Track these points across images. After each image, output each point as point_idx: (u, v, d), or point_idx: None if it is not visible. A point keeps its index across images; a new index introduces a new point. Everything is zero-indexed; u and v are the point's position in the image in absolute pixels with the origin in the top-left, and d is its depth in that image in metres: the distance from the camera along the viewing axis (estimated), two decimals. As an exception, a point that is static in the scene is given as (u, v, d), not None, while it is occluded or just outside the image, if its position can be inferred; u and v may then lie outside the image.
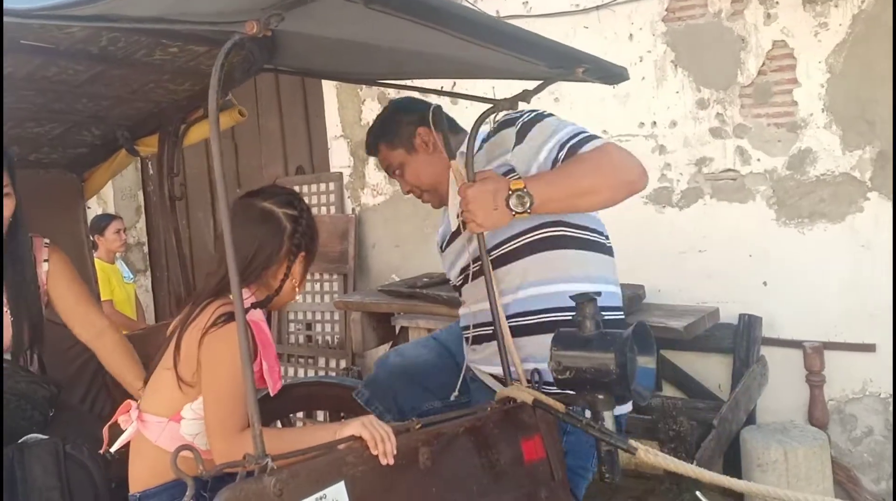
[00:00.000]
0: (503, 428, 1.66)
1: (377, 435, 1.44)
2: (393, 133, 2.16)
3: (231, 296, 1.67)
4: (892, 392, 3.62)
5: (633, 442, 1.50)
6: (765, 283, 3.96)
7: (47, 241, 2.31)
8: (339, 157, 4.95)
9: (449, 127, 2.13)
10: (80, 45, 1.85)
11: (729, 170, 4.06)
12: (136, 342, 2.34)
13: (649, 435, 3.31)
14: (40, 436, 1.98)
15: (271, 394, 1.71)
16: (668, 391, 4.02)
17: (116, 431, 1.78)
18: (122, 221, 4.72)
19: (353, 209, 4.91)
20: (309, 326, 4.69)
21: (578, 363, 1.57)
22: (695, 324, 3.52)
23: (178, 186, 2.72)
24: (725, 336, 3.94)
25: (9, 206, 2.09)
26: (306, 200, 5.22)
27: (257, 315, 1.73)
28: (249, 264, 1.74)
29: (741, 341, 3.89)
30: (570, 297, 1.66)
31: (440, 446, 1.54)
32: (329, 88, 4.98)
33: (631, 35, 4.20)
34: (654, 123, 4.19)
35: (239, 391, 1.56)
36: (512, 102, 2.03)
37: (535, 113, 2.15)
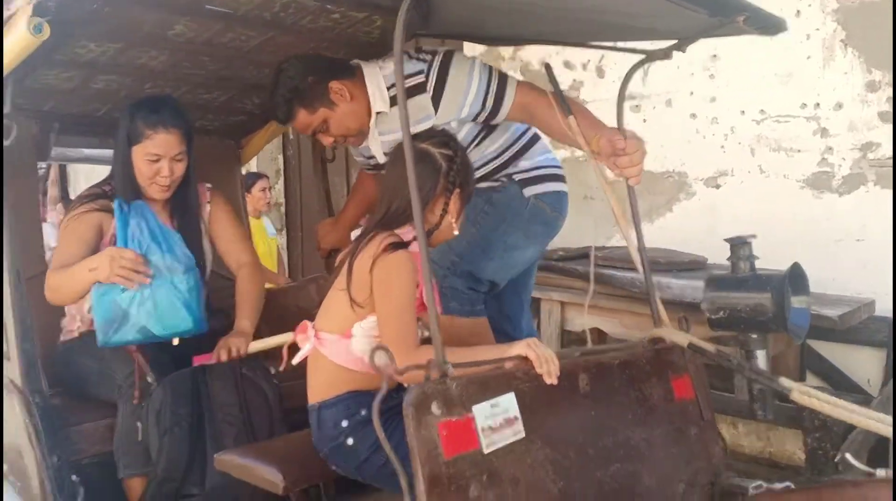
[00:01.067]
0: (654, 366, 1.80)
1: (542, 356, 1.61)
2: (308, 96, 2.28)
3: (395, 230, 1.91)
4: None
5: (785, 382, 1.61)
6: (924, 276, 3.88)
7: (209, 185, 2.69)
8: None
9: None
10: (255, 11, 2.09)
11: (896, 156, 3.99)
12: (285, 295, 2.62)
13: (793, 424, 3.33)
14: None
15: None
16: (813, 381, 3.99)
17: (294, 350, 2.04)
18: (267, 180, 5.12)
19: (482, 181, 5.11)
20: (438, 294, 4.91)
21: (733, 303, 1.69)
22: (850, 314, 3.49)
23: (329, 150, 3.00)
24: (880, 329, 3.87)
25: (181, 169, 2.47)
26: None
27: (416, 247, 1.95)
28: (403, 200, 1.94)
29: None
30: (726, 240, 1.79)
31: (598, 374, 1.68)
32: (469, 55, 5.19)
33: (798, 11, 4.17)
34: (818, 104, 4.14)
35: (409, 310, 1.78)
36: (666, 53, 2.16)
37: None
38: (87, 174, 7.40)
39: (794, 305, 1.72)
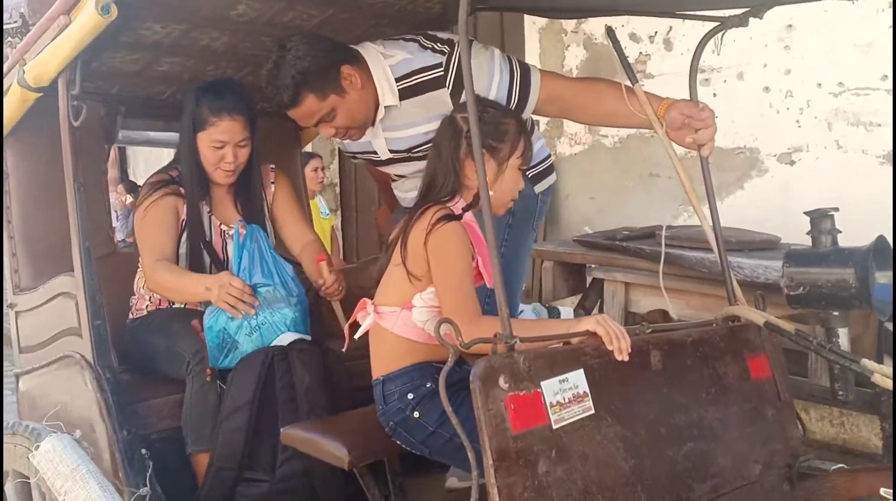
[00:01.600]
0: (729, 344, 1.76)
1: (612, 332, 1.59)
2: (319, 80, 2.10)
3: (445, 202, 1.91)
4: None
5: (867, 364, 1.56)
6: None
7: (273, 166, 2.74)
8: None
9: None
10: None
11: (984, 131, 3.82)
12: (345, 276, 2.65)
13: (869, 409, 3.24)
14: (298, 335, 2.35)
15: (488, 286, 1.92)
16: (889, 365, 3.88)
17: (355, 329, 2.06)
18: (320, 159, 5.17)
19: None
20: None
21: (814, 279, 1.65)
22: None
23: None
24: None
25: (244, 154, 2.51)
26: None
27: (468, 217, 1.94)
28: (444, 173, 1.96)
29: None
30: (806, 213, 1.73)
31: (670, 351, 1.66)
32: (531, 32, 5.14)
33: (879, -24, 4.03)
34: (900, 75, 4.01)
35: (468, 280, 1.80)
36: (742, 20, 2.10)
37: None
38: (145, 156, 7.59)
39: (878, 280, 1.67)
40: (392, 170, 2.50)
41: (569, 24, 5.03)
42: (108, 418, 2.13)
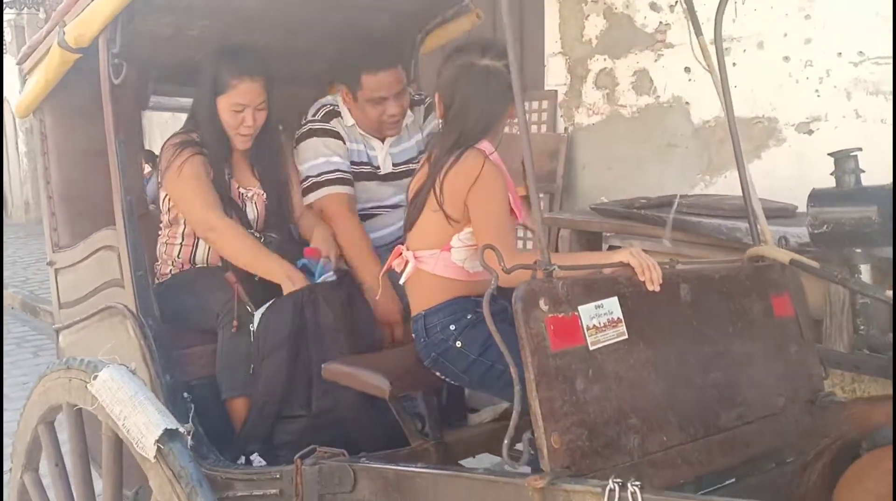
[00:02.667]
0: (754, 282, 1.85)
1: (644, 264, 1.68)
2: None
3: (474, 144, 2.00)
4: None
5: (891, 294, 1.64)
6: None
7: (280, 126, 2.81)
8: (556, 75, 5.17)
9: None
10: None
11: None
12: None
13: (883, 374, 3.32)
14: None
15: (519, 221, 2.04)
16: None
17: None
18: None
19: (566, 129, 5.14)
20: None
21: (837, 217, 1.74)
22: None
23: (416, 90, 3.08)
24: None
25: (262, 117, 2.59)
26: (517, 118, 5.46)
27: (498, 159, 2.05)
28: (484, 120, 2.04)
29: None
30: (830, 154, 1.81)
31: (699, 285, 1.75)
32: (551, 2, 5.21)
33: (901, -56, 4.08)
34: (921, 43, 4.06)
35: (507, 216, 1.94)
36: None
37: None
38: (161, 128, 7.68)
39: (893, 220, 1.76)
40: (377, 192, 2.78)
41: (589, -7, 5.10)
42: (152, 364, 2.23)
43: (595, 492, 1.35)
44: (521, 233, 4.52)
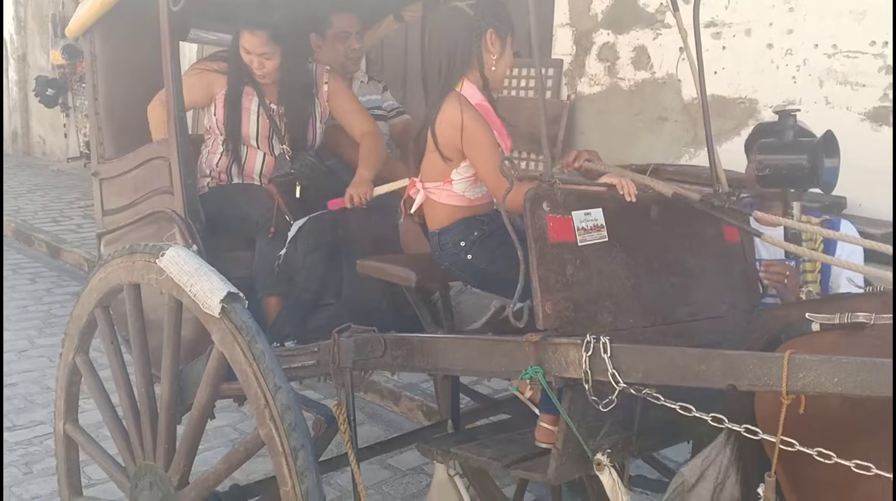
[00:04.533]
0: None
1: (624, 183, 2.10)
2: None
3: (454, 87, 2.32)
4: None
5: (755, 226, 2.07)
6: (968, 211, 4.22)
7: (328, 68, 3.12)
8: (563, 44, 5.57)
9: None
10: None
11: (953, 96, 4.30)
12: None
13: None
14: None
15: (505, 152, 2.34)
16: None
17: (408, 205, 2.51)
18: None
19: (569, 96, 5.54)
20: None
21: (776, 163, 2.17)
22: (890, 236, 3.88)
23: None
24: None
25: (271, 65, 2.86)
26: (522, 83, 5.81)
27: (481, 101, 2.35)
28: (456, 59, 2.29)
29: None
30: (774, 111, 2.23)
31: (666, 208, 2.17)
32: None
33: (878, -49, 4.46)
34: (886, 43, 4.45)
35: (496, 150, 2.27)
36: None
37: None
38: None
39: (826, 165, 2.20)
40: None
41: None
42: None
43: (576, 344, 1.78)
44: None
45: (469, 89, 2.36)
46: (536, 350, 1.83)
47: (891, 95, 4.46)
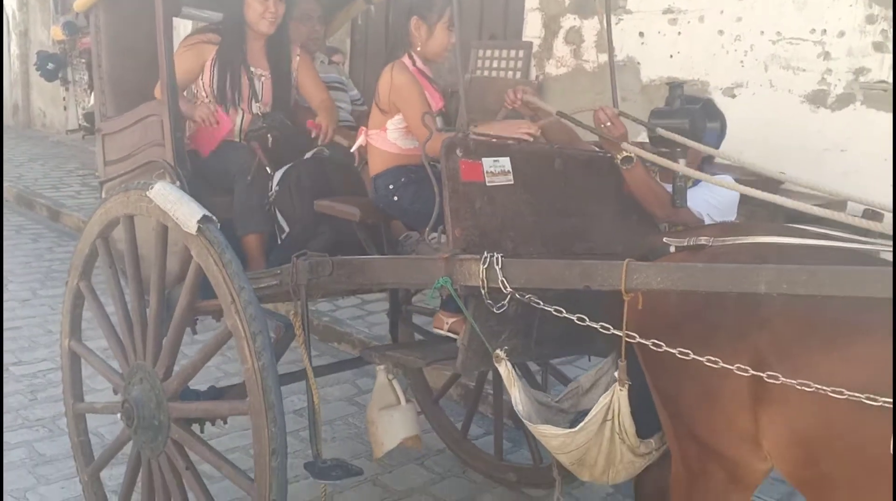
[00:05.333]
0: (613, 166, 2.77)
1: (529, 131, 2.63)
2: None
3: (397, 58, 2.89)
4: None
5: (627, 147, 2.61)
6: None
7: (300, 46, 3.67)
8: (533, 27, 6.07)
9: None
10: None
11: (882, 81, 4.80)
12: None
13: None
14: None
15: (437, 108, 2.90)
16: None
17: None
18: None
19: (537, 77, 6.05)
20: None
21: (666, 126, 2.69)
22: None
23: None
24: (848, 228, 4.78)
25: (282, 8, 3.36)
26: (496, 64, 6.34)
27: (412, 67, 2.91)
28: (393, 37, 2.88)
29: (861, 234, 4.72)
30: (667, 83, 2.76)
31: (569, 160, 2.68)
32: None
33: (818, -54, 4.96)
34: (825, 31, 4.95)
35: (422, 106, 2.79)
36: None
37: None
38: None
39: (708, 128, 2.73)
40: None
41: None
42: None
43: (476, 259, 2.28)
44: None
45: (407, 60, 2.93)
46: (447, 265, 2.35)
47: (827, 79, 4.98)
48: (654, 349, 2.16)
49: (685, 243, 2.32)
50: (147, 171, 3.24)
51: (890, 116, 4.71)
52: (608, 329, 2.23)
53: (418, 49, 2.94)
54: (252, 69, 3.44)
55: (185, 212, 2.57)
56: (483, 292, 2.30)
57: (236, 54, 3.40)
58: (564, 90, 5.97)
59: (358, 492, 3.62)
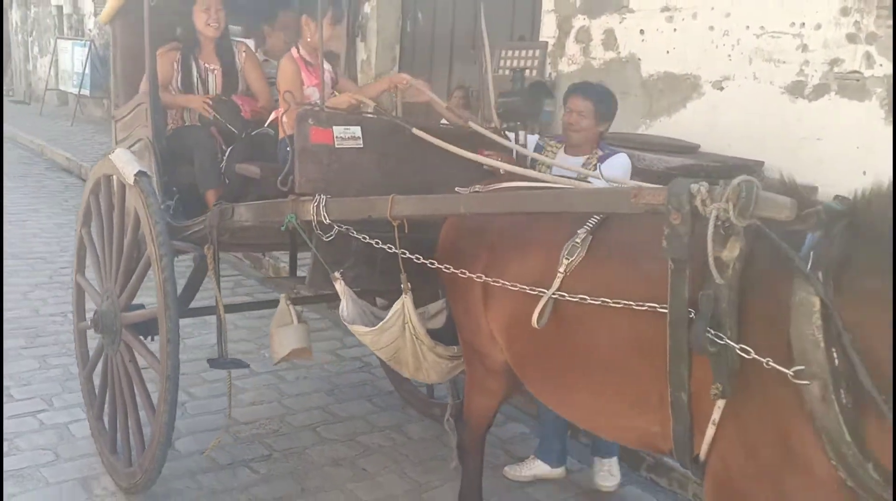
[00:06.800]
0: (468, 137, 3.56)
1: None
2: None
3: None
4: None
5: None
6: (864, 173, 5.09)
7: (245, 44, 4.64)
8: (548, 28, 6.78)
9: None
10: None
11: (855, 72, 5.18)
12: None
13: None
14: None
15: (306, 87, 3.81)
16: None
17: None
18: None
19: (550, 74, 6.76)
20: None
21: (509, 104, 3.45)
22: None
23: None
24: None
25: (224, 17, 4.35)
26: (516, 63, 7.19)
27: (297, 57, 3.81)
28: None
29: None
30: (509, 70, 3.53)
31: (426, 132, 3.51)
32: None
33: (797, -57, 5.41)
34: (803, 24, 5.37)
35: (294, 85, 3.70)
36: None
37: None
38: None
39: (546, 107, 3.48)
40: None
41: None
42: (156, 168, 4.08)
43: (311, 200, 3.15)
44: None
45: (294, 51, 3.85)
46: (293, 205, 3.22)
47: (805, 71, 5.41)
48: (444, 272, 2.96)
49: (466, 190, 3.10)
50: (136, 145, 4.35)
51: (861, 105, 5.11)
52: (405, 253, 3.04)
53: (308, 40, 3.82)
54: (205, 65, 4.48)
55: (128, 169, 3.61)
56: (314, 223, 3.17)
57: (190, 55, 4.45)
58: (575, 86, 6.65)
59: (309, 416, 4.58)
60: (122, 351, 3.71)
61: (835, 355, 1.89)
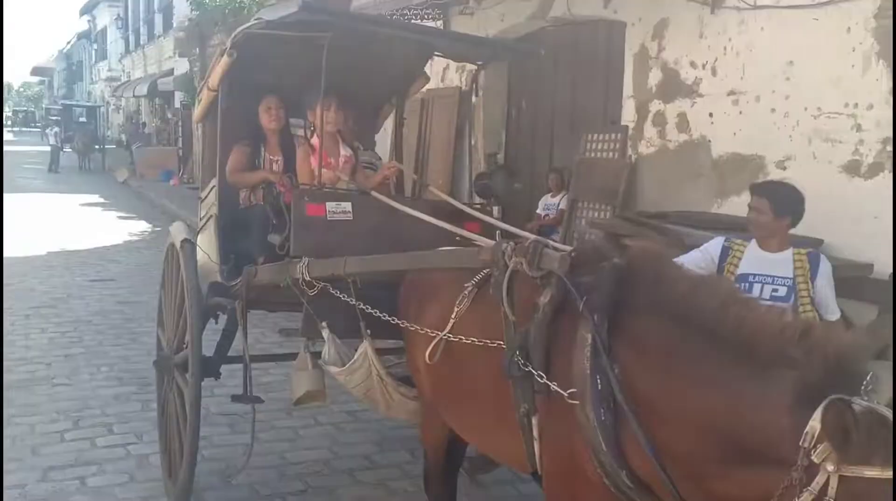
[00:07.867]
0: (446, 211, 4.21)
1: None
2: None
3: None
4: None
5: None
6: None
7: (301, 136, 5.46)
8: (628, 113, 7.26)
9: None
10: None
11: (906, 149, 5.30)
12: None
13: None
14: None
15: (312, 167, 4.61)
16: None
17: None
18: None
19: (630, 156, 7.22)
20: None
21: (480, 186, 4.09)
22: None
23: None
24: (874, 289, 5.28)
25: (283, 115, 5.14)
26: (600, 146, 7.86)
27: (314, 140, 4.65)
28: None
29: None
30: (488, 155, 4.17)
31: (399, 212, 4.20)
32: (629, 57, 7.35)
33: (848, 28, 5.63)
34: (856, 104, 5.56)
35: (306, 167, 4.52)
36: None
37: None
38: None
39: (515, 187, 4.08)
40: None
41: (652, 51, 7.14)
42: (218, 240, 4.89)
43: (298, 262, 3.91)
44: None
45: (302, 136, 4.70)
46: (288, 267, 4.01)
47: (860, 150, 5.59)
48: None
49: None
50: (207, 221, 5.33)
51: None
52: (376, 312, 3.73)
53: (314, 128, 4.64)
54: (269, 156, 5.39)
55: (178, 237, 4.60)
56: (299, 281, 3.92)
57: (256, 149, 5.38)
58: (652, 168, 7.03)
59: (351, 461, 5.27)
60: (173, 388, 4.60)
61: (598, 380, 2.37)
